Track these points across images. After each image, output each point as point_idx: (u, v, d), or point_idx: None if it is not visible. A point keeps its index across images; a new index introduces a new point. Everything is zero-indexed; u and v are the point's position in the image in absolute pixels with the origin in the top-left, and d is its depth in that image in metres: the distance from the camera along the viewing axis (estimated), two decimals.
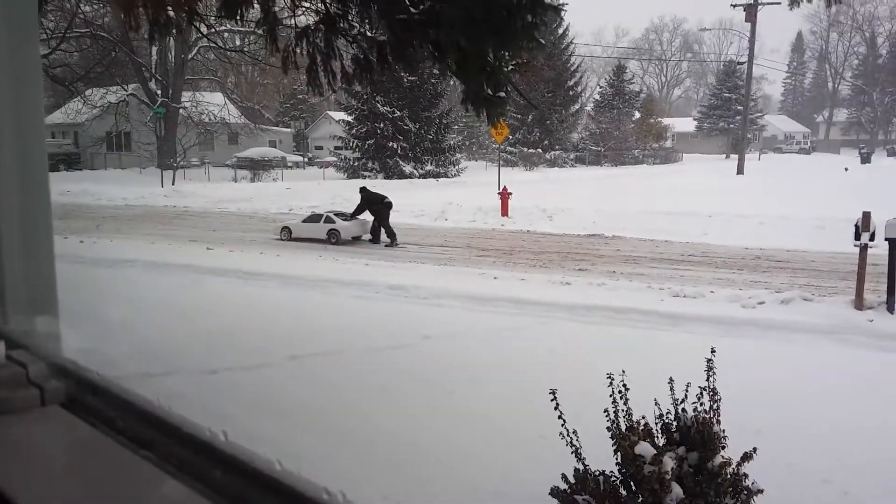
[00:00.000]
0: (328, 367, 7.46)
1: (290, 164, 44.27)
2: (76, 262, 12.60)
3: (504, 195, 19.94)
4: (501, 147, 33.80)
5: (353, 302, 10.42)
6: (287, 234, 16.59)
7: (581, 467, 3.74)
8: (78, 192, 25.66)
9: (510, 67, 7.12)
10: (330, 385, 6.86)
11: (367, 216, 16.53)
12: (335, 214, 16.59)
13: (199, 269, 12.49)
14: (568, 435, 3.70)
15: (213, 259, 13.71)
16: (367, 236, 16.46)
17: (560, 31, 49.74)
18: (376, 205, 16.32)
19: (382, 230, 16.24)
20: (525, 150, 47.98)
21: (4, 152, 0.99)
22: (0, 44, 0.97)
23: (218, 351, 7.79)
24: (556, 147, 50.86)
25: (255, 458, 0.56)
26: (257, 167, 37.27)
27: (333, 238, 16.06)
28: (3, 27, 0.97)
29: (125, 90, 35.46)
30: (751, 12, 40.28)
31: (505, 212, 19.69)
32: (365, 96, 35.58)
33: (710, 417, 3.74)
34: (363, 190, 16.98)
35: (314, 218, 16.74)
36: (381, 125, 36.72)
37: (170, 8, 7.44)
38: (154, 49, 34.24)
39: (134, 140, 39.73)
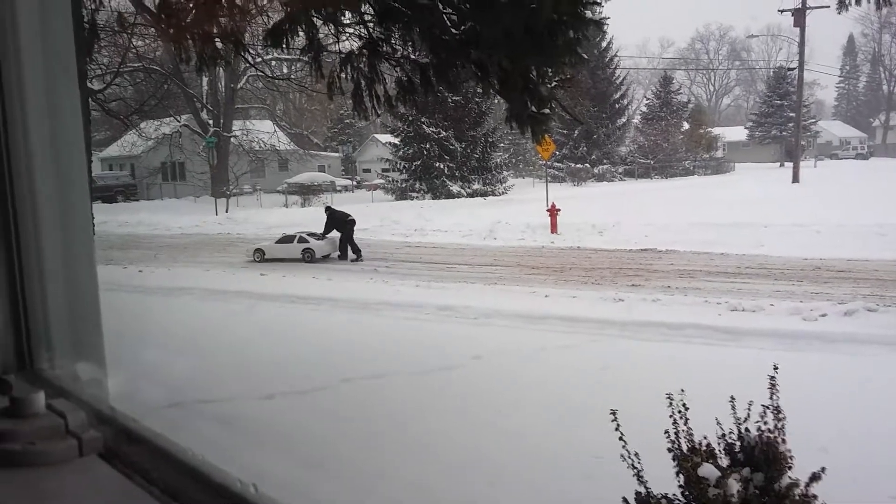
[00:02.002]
0: (380, 390, 7.47)
1: (339, 188, 44.80)
2: (136, 292, 12.93)
3: (552, 212, 19.81)
4: (548, 163, 33.65)
5: (404, 323, 10.44)
6: (260, 256, 17.23)
7: (643, 490, 3.65)
8: (135, 222, 26.40)
9: (553, 84, 7.09)
10: (381, 407, 6.86)
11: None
12: (308, 234, 17.53)
13: (253, 295, 12.69)
14: (629, 456, 3.61)
15: (267, 284, 13.92)
16: (336, 254, 17.35)
17: (603, 44, 49.49)
18: (341, 223, 17.38)
19: (349, 247, 17.25)
20: (572, 165, 47.68)
21: (46, 191, 1.00)
22: (36, 77, 0.98)
23: (273, 375, 7.88)
24: (604, 161, 50.45)
25: None
26: (307, 192, 37.79)
27: (308, 256, 16.95)
28: (39, 60, 0.98)
29: (178, 121, 36.45)
30: (799, 17, 39.44)
31: (554, 228, 19.55)
32: (410, 118, 35.88)
33: (774, 436, 3.61)
34: (328, 209, 18.18)
35: (287, 239, 17.66)
36: (427, 146, 36.95)
37: (217, 40, 7.62)
38: (204, 80, 35.16)
39: (188, 170, 40.75)
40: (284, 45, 7.12)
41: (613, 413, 3.63)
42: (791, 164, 41.75)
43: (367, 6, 7.01)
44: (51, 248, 0.99)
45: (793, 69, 52.21)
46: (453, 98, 34.40)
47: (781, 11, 41.07)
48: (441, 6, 6.51)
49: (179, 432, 0.78)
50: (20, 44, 0.97)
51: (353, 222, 17.45)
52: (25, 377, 0.95)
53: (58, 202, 1.00)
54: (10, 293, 0.97)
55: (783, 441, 3.54)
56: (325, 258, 17.21)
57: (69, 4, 1.03)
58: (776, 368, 3.69)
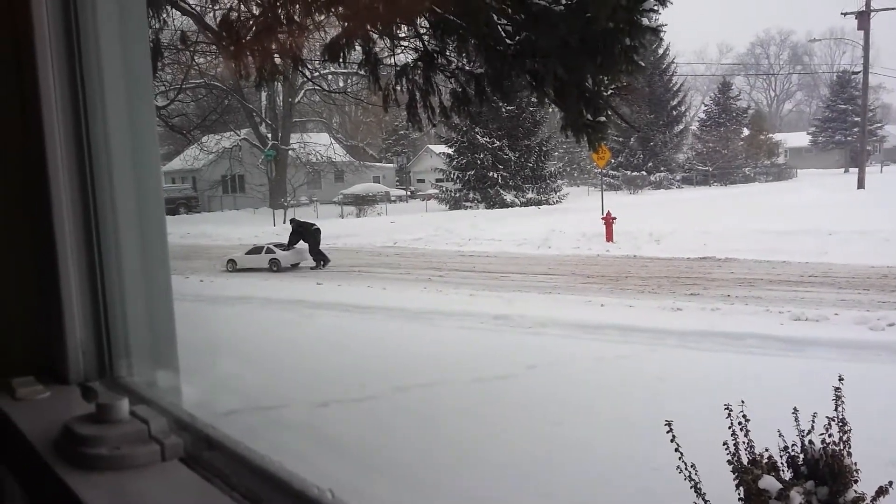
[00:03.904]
0: (433, 399, 7.49)
1: (393, 199, 45.14)
2: (197, 301, 13.25)
3: (608, 220, 19.60)
4: (604, 171, 33.35)
5: (458, 332, 10.45)
6: (232, 266, 18.16)
7: (701, 503, 3.59)
8: (197, 233, 27.06)
9: (609, 92, 7.04)
10: (434, 416, 6.88)
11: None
12: (275, 246, 18.65)
13: (310, 304, 12.88)
14: (686, 468, 3.56)
15: (323, 293, 14.12)
16: (311, 264, 18.18)
17: (660, 51, 48.85)
18: (307, 232, 18.31)
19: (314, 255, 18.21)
20: (628, 173, 47.13)
21: (126, 208, 1.05)
22: (118, 100, 1.04)
23: (328, 383, 7.98)
24: (661, 168, 49.68)
25: None
26: (362, 203, 38.22)
27: (275, 266, 17.93)
28: (122, 83, 1.04)
29: (238, 135, 37.25)
30: (863, 20, 38.27)
31: (609, 237, 19.34)
32: (464, 128, 36.00)
33: (839, 449, 3.52)
34: (293, 221, 19.26)
35: (256, 250, 18.70)
36: (481, 156, 37.02)
37: (276, 56, 7.80)
38: (263, 95, 35.90)
39: (247, 182, 41.63)
40: (341, 60, 7.24)
41: (669, 424, 3.59)
42: (856, 170, 40.43)
43: (423, 19, 7.08)
44: (130, 262, 1.05)
45: (857, 73, 50.67)
46: (507, 108, 34.40)
47: (845, 14, 39.95)
48: (496, 17, 6.54)
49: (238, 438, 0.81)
50: (103, 66, 1.03)
51: (318, 231, 18.42)
52: (106, 385, 1.00)
53: (136, 218, 1.05)
54: (93, 305, 1.03)
55: (849, 454, 3.45)
56: (295, 266, 18.24)
57: (146, 30, 1.08)
58: (841, 380, 3.59)
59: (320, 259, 18.14)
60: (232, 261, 18.36)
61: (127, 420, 0.81)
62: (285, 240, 24.87)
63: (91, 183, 1.04)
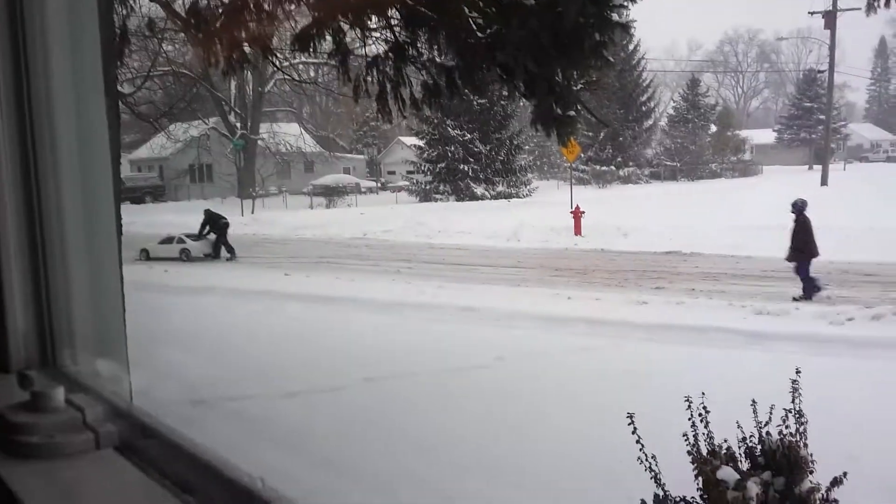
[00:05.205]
0: (401, 390, 7.51)
1: (363, 190, 45.01)
2: (162, 291, 13.09)
3: (577, 214, 19.75)
4: (573, 165, 33.54)
5: (426, 324, 10.46)
6: (145, 255, 18.52)
7: (661, 493, 3.64)
8: (162, 223, 26.62)
9: (579, 86, 7.08)
10: (401, 407, 6.89)
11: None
12: (186, 236, 19.02)
13: (277, 295, 12.79)
14: (646, 459, 3.60)
15: (291, 284, 14.02)
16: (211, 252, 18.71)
17: (630, 47, 49.20)
18: (216, 224, 18.77)
19: (223, 247, 18.71)
20: (598, 167, 47.48)
21: (71, 192, 1.02)
22: (63, 84, 1.01)
23: (296, 374, 7.95)
24: (630, 164, 50.15)
25: None
26: (332, 194, 38.08)
27: (185, 255, 18.44)
28: (67, 67, 1.01)
29: (206, 124, 36.81)
30: (829, 19, 38.90)
31: (578, 231, 19.48)
32: (435, 121, 35.99)
33: (796, 441, 3.59)
34: (206, 212, 19.49)
35: (168, 240, 19.15)
36: (452, 148, 37.05)
37: (245, 44, 7.70)
38: (233, 84, 35.49)
39: (215, 171, 41.21)
40: (311, 50, 7.18)
41: (630, 416, 3.63)
42: (820, 167, 41.15)
43: (394, 11, 7.04)
44: (75, 249, 1.02)
45: (823, 71, 51.58)
46: (479, 101, 34.42)
47: (812, 13, 40.61)
48: (467, 10, 6.53)
49: (201, 428, 0.80)
50: (49, 53, 1.00)
51: (226, 224, 18.91)
52: (48, 373, 0.98)
53: (83, 203, 1.02)
54: (34, 291, 1.00)
55: (805, 445, 3.52)
56: (208, 256, 18.60)
57: (96, 16, 1.05)
58: (798, 372, 3.66)
59: (219, 251, 18.55)
60: (145, 250, 18.60)
61: (62, 408, 0.80)
62: (253, 230, 24.71)
63: (34, 167, 1.01)
